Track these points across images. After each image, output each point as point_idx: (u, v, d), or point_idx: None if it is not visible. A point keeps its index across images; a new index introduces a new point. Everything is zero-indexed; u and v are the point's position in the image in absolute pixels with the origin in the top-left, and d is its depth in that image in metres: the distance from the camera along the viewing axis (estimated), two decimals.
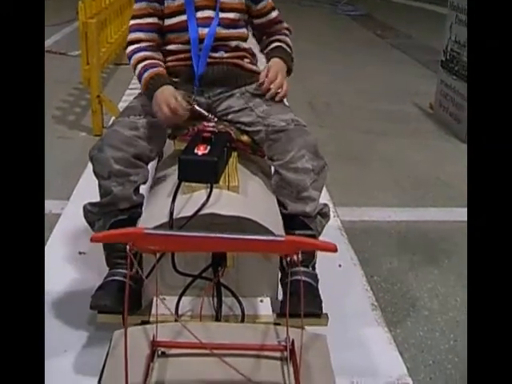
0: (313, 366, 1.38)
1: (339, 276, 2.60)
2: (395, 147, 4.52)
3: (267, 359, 1.39)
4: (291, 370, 1.34)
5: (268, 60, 2.36)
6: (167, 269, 1.89)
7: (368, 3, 12.34)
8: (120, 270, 2.10)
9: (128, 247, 1.30)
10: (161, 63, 2.26)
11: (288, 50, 2.40)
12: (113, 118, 4.37)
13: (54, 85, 5.53)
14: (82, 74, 4.40)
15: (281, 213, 2.14)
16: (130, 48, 2.29)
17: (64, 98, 5.31)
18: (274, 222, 1.94)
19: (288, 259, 1.89)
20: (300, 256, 2.05)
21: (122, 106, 4.58)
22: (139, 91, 2.36)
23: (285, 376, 1.35)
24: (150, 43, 2.28)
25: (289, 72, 2.35)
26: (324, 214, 2.23)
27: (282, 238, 1.38)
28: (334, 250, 1.48)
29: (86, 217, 2.24)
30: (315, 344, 1.46)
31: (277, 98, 2.25)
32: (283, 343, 1.42)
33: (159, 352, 1.40)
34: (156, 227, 1.75)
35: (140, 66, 2.24)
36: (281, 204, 2.15)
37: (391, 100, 5.70)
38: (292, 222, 2.14)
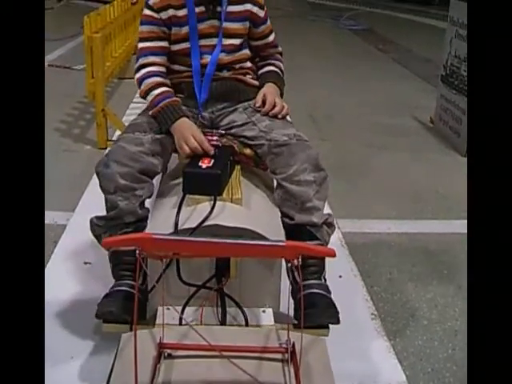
0: (313, 367, 1.43)
1: (340, 287, 2.57)
2: (395, 160, 4.59)
3: (269, 361, 1.43)
4: (292, 370, 1.38)
5: (262, 82, 2.41)
6: (172, 279, 1.93)
7: (370, 18, 12.45)
8: (126, 281, 2.13)
9: (137, 252, 1.35)
10: (172, 91, 2.29)
11: (281, 74, 2.47)
12: (117, 131, 4.48)
13: (59, 98, 5.61)
14: (86, 87, 4.45)
15: (288, 225, 2.18)
16: (143, 71, 2.32)
17: (69, 112, 5.35)
18: (276, 234, 1.98)
19: (297, 271, 1.93)
20: (307, 263, 2.12)
21: (126, 119, 4.69)
22: (143, 107, 2.40)
23: (286, 377, 1.39)
24: (161, 68, 2.33)
25: (281, 95, 2.41)
26: (329, 224, 2.27)
27: (283, 244, 1.43)
28: (333, 255, 1.54)
29: (92, 230, 2.27)
30: (315, 347, 1.51)
31: (279, 116, 2.30)
32: (284, 345, 1.47)
33: (166, 354, 1.44)
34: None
35: (155, 92, 2.27)
36: (286, 216, 2.18)
37: (392, 113, 5.75)
38: (299, 233, 2.18)
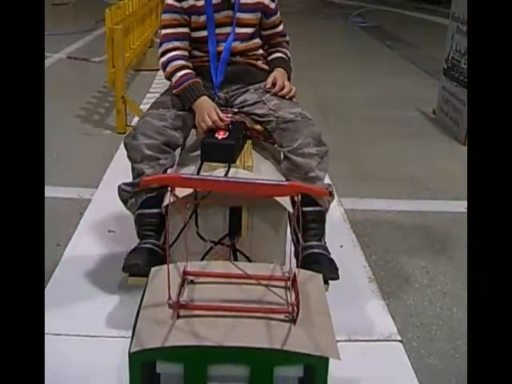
0: (310, 293, 1.62)
1: (340, 255, 2.72)
2: (398, 147, 4.78)
3: (274, 287, 1.62)
4: (293, 295, 1.56)
5: (272, 67, 2.61)
6: (190, 237, 2.04)
7: (379, 16, 12.54)
8: (150, 240, 2.30)
9: (169, 188, 1.52)
10: (194, 73, 2.47)
11: (288, 61, 2.67)
12: (135, 117, 4.66)
13: (78, 88, 5.89)
14: (107, 76, 4.65)
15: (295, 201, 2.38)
16: (168, 55, 2.51)
17: (88, 100, 5.55)
18: (283, 198, 2.10)
19: (297, 207, 2.05)
20: (309, 226, 2.31)
21: (143, 107, 4.82)
22: (163, 90, 2.62)
23: (287, 299, 1.58)
24: (185, 52, 2.51)
25: (288, 79, 2.61)
26: (330, 193, 2.45)
27: (286, 183, 1.68)
28: (326, 194, 1.88)
29: (120, 195, 2.46)
30: (312, 280, 1.71)
31: (287, 97, 2.50)
32: (287, 275, 1.66)
33: (189, 280, 1.63)
34: (183, 197, 1.92)
35: (179, 74, 2.46)
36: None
37: (397, 106, 5.89)
38: (303, 200, 2.29)
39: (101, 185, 3.62)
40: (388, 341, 2.41)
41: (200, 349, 1.42)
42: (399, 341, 2.41)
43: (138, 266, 2.20)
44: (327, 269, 2.23)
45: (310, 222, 2.37)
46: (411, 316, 2.60)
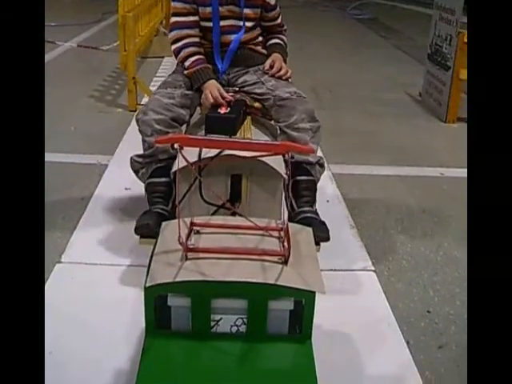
0: (300, 242, 1.76)
1: (326, 208, 3.08)
2: (385, 124, 5.01)
3: (268, 236, 1.75)
4: (285, 242, 1.68)
5: (270, 52, 2.80)
6: (195, 201, 2.21)
7: (375, 8, 12.69)
8: (159, 206, 2.45)
9: (178, 147, 1.65)
10: (205, 58, 2.64)
11: (285, 46, 2.86)
12: (145, 97, 4.90)
13: (90, 73, 6.14)
14: (120, 59, 4.89)
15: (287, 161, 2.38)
16: (181, 42, 2.66)
17: (100, 83, 5.77)
18: (279, 165, 2.25)
19: (287, 166, 2.23)
20: (302, 193, 2.50)
21: (151, 89, 4.98)
22: (170, 72, 2.81)
23: (280, 245, 1.71)
24: (196, 39, 2.66)
25: (285, 62, 2.80)
26: (321, 164, 2.63)
27: (278, 143, 1.85)
28: (313, 151, 2.07)
29: (132, 166, 2.62)
30: (303, 231, 1.85)
31: (283, 78, 2.69)
32: (280, 226, 1.80)
33: (195, 231, 1.77)
34: (186, 166, 1.97)
35: (192, 59, 2.63)
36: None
37: (386, 90, 6.15)
38: (297, 169, 2.52)
39: (116, 152, 3.90)
40: (363, 271, 2.76)
41: (205, 284, 1.55)
42: (373, 271, 2.76)
43: (148, 226, 2.33)
44: (319, 230, 2.35)
45: (302, 190, 2.54)
46: (385, 253, 2.93)
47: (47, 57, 6.48)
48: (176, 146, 1.75)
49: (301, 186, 2.55)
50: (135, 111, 4.63)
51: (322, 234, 2.38)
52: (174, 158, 2.45)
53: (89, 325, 2.27)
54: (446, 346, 2.32)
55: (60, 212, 3.16)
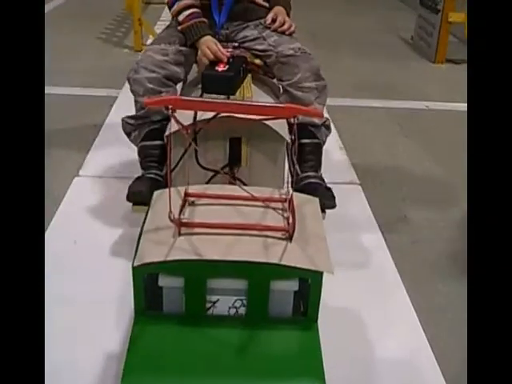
0: (306, 215, 1.47)
1: None
2: (377, 64, 4.83)
3: (272, 208, 1.46)
4: (290, 215, 1.41)
5: (272, 5, 2.37)
6: (190, 166, 1.87)
7: None
8: (152, 171, 2.14)
9: (170, 109, 1.35)
10: (200, 12, 2.25)
11: None
12: (150, 38, 4.74)
13: (96, 18, 5.97)
14: (126, 2, 4.81)
15: (292, 124, 2.07)
16: None
17: (106, 27, 5.61)
18: (282, 128, 1.95)
19: (293, 131, 1.86)
20: (306, 158, 2.18)
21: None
22: (168, 23, 2.41)
23: (284, 219, 1.42)
24: None
25: (288, 16, 2.37)
26: (327, 127, 2.29)
27: (284, 105, 1.47)
28: (321, 115, 1.76)
29: (123, 128, 2.27)
30: (309, 203, 1.55)
31: (287, 33, 2.29)
32: (284, 197, 1.51)
33: (190, 201, 1.48)
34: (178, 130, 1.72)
35: (186, 13, 2.22)
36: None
37: (380, 33, 5.94)
38: (302, 132, 2.18)
39: (125, 86, 3.42)
40: (351, 184, 2.81)
41: (200, 263, 1.29)
42: (359, 184, 2.80)
43: (141, 193, 2.04)
44: (324, 196, 2.06)
45: (307, 154, 2.21)
46: (370, 170, 2.96)
47: (53, 3, 6.38)
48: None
49: (305, 150, 2.20)
50: (140, 51, 4.47)
51: (327, 201, 2.07)
52: (168, 119, 2.10)
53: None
54: (417, 242, 2.45)
55: (76, 135, 3.24)
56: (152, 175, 2.12)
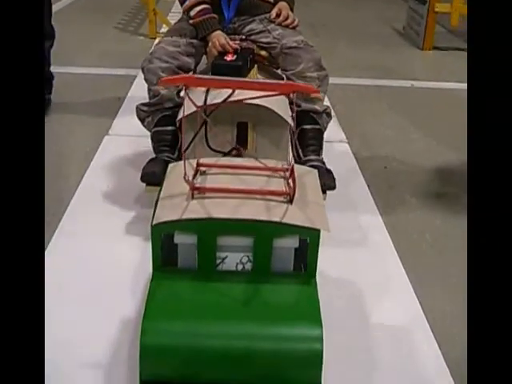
0: (306, 182, 1.49)
1: None
2: (369, 51, 4.83)
3: (274, 177, 1.48)
4: (291, 182, 1.42)
5: (276, 0, 2.36)
6: (200, 148, 1.87)
7: None
8: (165, 154, 2.12)
9: (184, 87, 1.38)
10: (211, 8, 2.25)
11: None
12: (163, 26, 4.78)
13: (112, 9, 5.98)
14: None
15: (295, 111, 2.11)
16: None
17: (122, 18, 5.59)
18: (285, 112, 1.95)
19: (293, 107, 1.93)
20: (308, 142, 2.16)
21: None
22: (179, 17, 2.41)
23: (286, 187, 1.43)
24: None
25: (291, 10, 2.37)
26: (328, 114, 2.27)
27: (283, 82, 1.54)
28: (317, 91, 1.79)
29: (138, 115, 2.26)
30: (308, 173, 1.57)
31: (290, 26, 2.29)
32: (286, 167, 1.52)
33: (202, 171, 1.49)
34: (190, 114, 1.75)
35: (197, 8, 2.22)
36: (295, 104, 2.12)
37: (374, 25, 5.88)
38: (304, 118, 2.18)
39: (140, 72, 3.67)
40: (341, 142, 2.89)
41: (211, 221, 1.31)
42: (347, 142, 2.90)
43: (154, 173, 2.03)
44: (325, 178, 2.05)
45: (309, 139, 2.20)
46: (358, 133, 3.05)
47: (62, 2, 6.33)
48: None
49: (307, 135, 2.19)
50: (155, 38, 4.56)
51: (328, 182, 2.06)
52: (179, 106, 2.11)
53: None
54: (395, 186, 2.56)
55: (102, 106, 3.35)
56: (164, 157, 2.11)
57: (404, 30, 5.52)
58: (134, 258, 1.96)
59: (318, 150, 2.21)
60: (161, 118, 2.17)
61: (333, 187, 2.08)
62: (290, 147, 2.09)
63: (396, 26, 5.80)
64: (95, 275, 1.89)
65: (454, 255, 2.11)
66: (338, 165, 2.32)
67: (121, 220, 2.21)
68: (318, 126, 2.22)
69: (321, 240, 1.37)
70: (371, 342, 1.68)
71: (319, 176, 1.60)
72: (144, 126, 2.28)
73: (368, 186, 2.55)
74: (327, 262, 1.44)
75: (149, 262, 1.39)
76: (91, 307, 1.74)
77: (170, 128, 2.15)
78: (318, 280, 1.40)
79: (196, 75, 1.67)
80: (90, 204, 2.33)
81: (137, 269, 1.89)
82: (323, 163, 2.19)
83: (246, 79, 1.71)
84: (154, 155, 2.19)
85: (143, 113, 2.25)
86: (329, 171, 2.14)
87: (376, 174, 2.66)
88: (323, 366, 1.23)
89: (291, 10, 2.38)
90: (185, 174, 1.37)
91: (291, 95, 1.43)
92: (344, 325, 1.71)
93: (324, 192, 1.99)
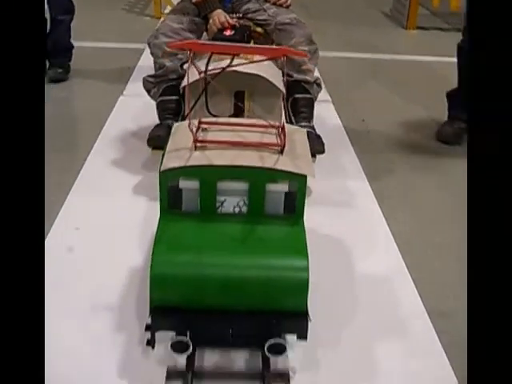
0: (295, 138, 1.54)
1: None
2: (358, 30, 4.93)
3: (268, 133, 1.52)
4: (282, 136, 1.47)
5: None
6: (201, 114, 1.85)
7: None
8: (169, 121, 2.17)
9: (189, 52, 1.43)
10: None
11: None
12: (167, 7, 4.81)
13: None
14: None
15: (289, 81, 2.19)
16: None
17: (129, 0, 5.58)
18: (278, 82, 1.99)
19: (283, 69, 1.99)
20: (300, 110, 2.21)
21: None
22: None
23: (278, 140, 1.47)
24: None
25: None
26: (318, 84, 2.31)
27: (276, 47, 1.61)
28: (305, 55, 1.86)
29: (144, 86, 2.32)
30: (298, 131, 1.62)
31: (284, 6, 2.34)
32: (278, 124, 1.55)
33: (203, 128, 1.53)
34: (194, 81, 1.78)
35: None
36: (288, 75, 2.22)
37: (364, 8, 5.87)
38: (296, 88, 2.23)
39: (145, 51, 3.53)
40: (325, 102, 2.98)
41: (211, 168, 1.37)
42: (331, 102, 3.10)
43: (159, 137, 2.09)
44: (315, 143, 2.09)
45: (301, 107, 2.25)
46: (342, 97, 3.21)
47: None
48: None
49: (299, 103, 2.25)
50: (160, 18, 4.59)
51: (317, 146, 2.13)
52: (182, 77, 2.17)
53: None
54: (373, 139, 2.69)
55: (115, 73, 3.55)
56: (169, 123, 2.15)
57: (391, 13, 5.54)
58: (140, 216, 2.03)
59: (309, 118, 2.26)
60: (165, 88, 2.23)
61: (322, 151, 2.14)
62: (283, 114, 2.14)
63: (384, 9, 5.81)
64: (106, 230, 1.96)
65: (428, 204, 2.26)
66: (322, 121, 2.50)
67: (129, 178, 2.29)
68: (309, 95, 2.26)
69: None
70: (354, 284, 1.76)
71: (309, 140, 1.64)
72: (150, 96, 2.33)
73: (347, 134, 2.80)
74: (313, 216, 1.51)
75: (154, 219, 1.44)
76: (102, 258, 1.82)
77: (174, 97, 2.22)
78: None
79: (199, 41, 1.76)
80: (106, 158, 2.45)
81: (143, 225, 1.96)
82: (314, 129, 2.24)
83: (248, 45, 1.80)
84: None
85: (149, 84, 2.30)
86: (318, 137, 2.19)
87: (357, 130, 2.86)
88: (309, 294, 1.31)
89: None
90: (189, 123, 1.43)
91: (282, 61, 1.49)
92: (330, 270, 1.79)
93: (314, 156, 2.03)
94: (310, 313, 1.31)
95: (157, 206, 1.43)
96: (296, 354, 1.45)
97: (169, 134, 1.73)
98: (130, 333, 1.51)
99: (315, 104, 2.33)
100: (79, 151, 2.53)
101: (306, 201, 1.43)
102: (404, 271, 1.82)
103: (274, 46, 1.85)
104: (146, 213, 2.02)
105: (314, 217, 1.56)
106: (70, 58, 3.47)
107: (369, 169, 2.46)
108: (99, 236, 1.93)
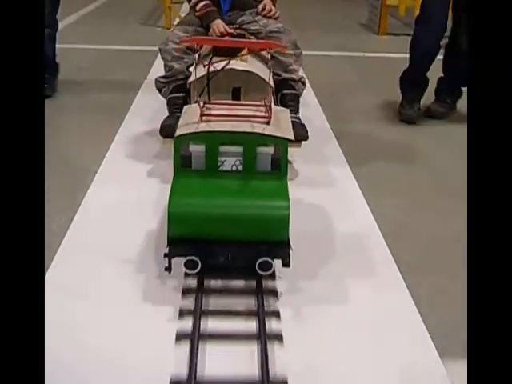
0: (279, 115, 1.71)
1: None
2: (335, 37, 5.22)
3: (259, 110, 1.68)
4: (269, 111, 1.63)
5: None
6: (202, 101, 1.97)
7: None
8: (177, 114, 2.20)
9: (196, 45, 1.65)
10: (211, 3, 2.40)
11: None
12: (176, 19, 4.94)
13: (133, 10, 6.22)
14: None
15: (277, 80, 2.27)
16: None
17: (141, 16, 5.87)
18: (268, 78, 2.12)
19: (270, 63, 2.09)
20: (288, 104, 2.29)
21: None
22: (187, 12, 2.57)
23: (266, 114, 1.64)
24: None
25: (274, 5, 2.51)
26: (303, 82, 2.42)
27: (264, 41, 1.83)
28: (285, 47, 2.01)
29: (156, 85, 2.44)
30: (282, 111, 1.79)
31: (273, 18, 2.44)
32: (267, 103, 1.73)
33: (207, 107, 1.68)
34: (198, 78, 1.96)
35: (201, 4, 2.37)
36: (276, 74, 2.29)
37: (342, 19, 6.23)
38: (284, 85, 2.36)
39: (158, 57, 3.74)
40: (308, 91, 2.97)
41: (214, 134, 1.53)
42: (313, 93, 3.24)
43: (170, 126, 2.15)
44: (300, 130, 2.21)
45: (288, 101, 2.35)
46: (320, 83, 3.45)
47: (95, 3, 6.62)
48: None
49: (287, 98, 2.37)
50: (170, 29, 4.62)
51: (302, 133, 2.24)
52: (188, 77, 2.30)
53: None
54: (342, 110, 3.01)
55: (137, 67, 3.82)
56: (178, 115, 2.20)
57: (366, 23, 5.78)
58: (153, 195, 2.11)
59: (295, 110, 2.39)
60: (174, 87, 2.36)
61: (306, 137, 2.27)
62: (272, 103, 2.22)
63: (360, 20, 6.06)
64: (123, 208, 2.03)
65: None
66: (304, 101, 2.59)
67: (145, 165, 2.37)
68: (294, 91, 2.40)
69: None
70: (331, 237, 1.87)
71: (295, 128, 1.76)
72: (161, 94, 2.46)
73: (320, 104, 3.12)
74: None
75: (164, 198, 1.54)
76: (122, 225, 1.92)
77: (181, 94, 2.35)
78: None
79: (204, 37, 1.96)
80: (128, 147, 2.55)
81: (155, 203, 2.04)
82: (300, 119, 2.38)
83: (238, 39, 1.95)
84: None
85: (160, 84, 2.44)
86: (303, 125, 2.33)
87: (327, 101, 3.23)
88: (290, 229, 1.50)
89: (274, 4, 2.55)
90: (197, 99, 1.61)
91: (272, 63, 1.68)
92: (312, 226, 1.91)
93: (299, 141, 2.18)
94: (291, 243, 1.50)
95: (168, 187, 1.54)
96: (282, 282, 1.62)
97: (177, 123, 1.85)
98: (150, 270, 1.66)
99: (300, 99, 2.46)
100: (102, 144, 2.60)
101: (291, 180, 1.60)
102: (375, 227, 1.94)
103: (262, 41, 2.05)
104: (160, 193, 2.11)
105: (299, 191, 1.68)
106: (54, 75, 3.15)
107: (349, 153, 2.57)
108: (118, 212, 2.01)
